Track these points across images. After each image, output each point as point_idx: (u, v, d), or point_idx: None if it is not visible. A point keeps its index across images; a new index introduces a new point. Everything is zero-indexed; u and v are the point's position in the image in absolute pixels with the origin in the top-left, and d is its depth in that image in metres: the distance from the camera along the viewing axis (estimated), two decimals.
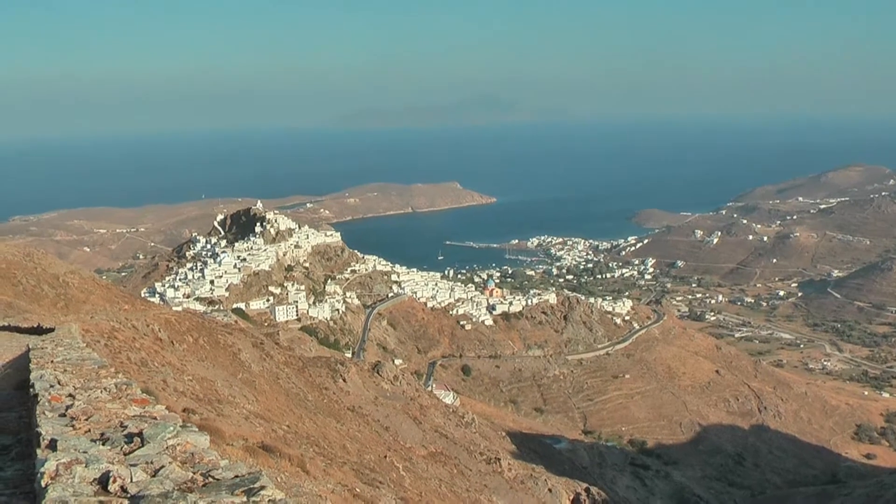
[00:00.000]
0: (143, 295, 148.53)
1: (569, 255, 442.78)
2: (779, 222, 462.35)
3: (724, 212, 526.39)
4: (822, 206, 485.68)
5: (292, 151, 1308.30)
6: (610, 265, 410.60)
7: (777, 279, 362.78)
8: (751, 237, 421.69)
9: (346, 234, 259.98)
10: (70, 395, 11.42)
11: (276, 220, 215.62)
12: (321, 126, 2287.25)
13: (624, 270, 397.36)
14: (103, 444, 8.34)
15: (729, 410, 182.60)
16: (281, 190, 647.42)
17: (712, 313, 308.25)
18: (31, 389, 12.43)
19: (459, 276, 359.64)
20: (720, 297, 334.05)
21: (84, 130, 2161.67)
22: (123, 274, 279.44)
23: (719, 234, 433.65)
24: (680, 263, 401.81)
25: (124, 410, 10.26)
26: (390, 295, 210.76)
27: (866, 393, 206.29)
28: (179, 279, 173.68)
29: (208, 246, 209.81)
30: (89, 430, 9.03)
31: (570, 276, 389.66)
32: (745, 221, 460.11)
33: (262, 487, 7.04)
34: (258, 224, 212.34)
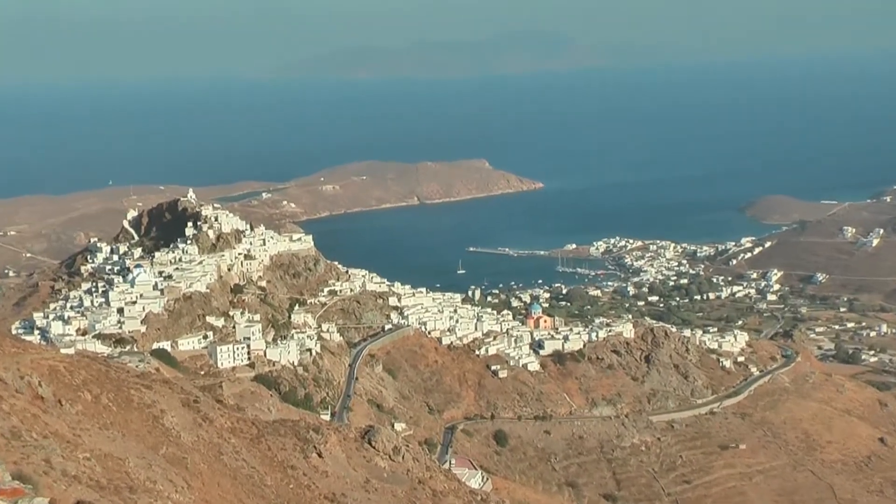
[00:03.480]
0: (14, 332, 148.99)
1: (652, 266, 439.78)
2: None
3: (887, 198, 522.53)
4: None
5: (241, 113, 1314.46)
6: (714, 280, 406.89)
7: None
8: None
9: (322, 237, 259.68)
10: None
11: (216, 219, 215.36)
12: (285, 75, 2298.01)
13: (735, 288, 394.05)
14: None
15: None
16: (224, 173, 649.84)
17: (872, 352, 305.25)
18: None
19: (490, 298, 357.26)
20: (883, 328, 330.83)
21: None
22: None
23: (881, 232, 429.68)
24: (820, 277, 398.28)
25: None
26: (388, 327, 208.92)
27: None
28: (71, 307, 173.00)
29: (115, 257, 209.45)
30: None
31: (654, 298, 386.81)
32: None
33: None
34: (190, 224, 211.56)
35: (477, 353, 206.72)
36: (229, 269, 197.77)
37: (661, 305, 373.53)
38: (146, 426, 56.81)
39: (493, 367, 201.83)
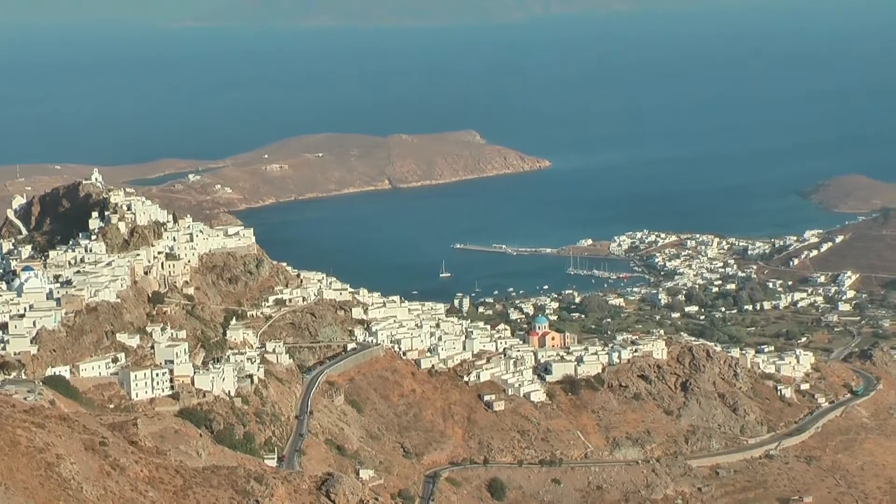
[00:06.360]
0: None
1: (689, 267, 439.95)
2: None
3: None
4: None
5: (158, 72, 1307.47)
6: (769, 285, 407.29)
7: None
8: None
9: (266, 232, 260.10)
10: None
11: (129, 207, 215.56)
12: (216, 22, 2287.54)
13: (798, 295, 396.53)
14: None
15: None
16: (139, 148, 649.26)
17: None
18: None
19: (482, 309, 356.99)
20: None
21: None
22: None
23: None
24: None
25: None
26: (351, 347, 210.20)
27: None
28: None
29: None
30: None
31: (692, 308, 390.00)
32: None
33: None
34: (95, 214, 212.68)
35: (466, 379, 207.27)
36: (146, 273, 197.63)
37: (702, 318, 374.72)
38: (37, 476, 56.85)
39: (487, 398, 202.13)
